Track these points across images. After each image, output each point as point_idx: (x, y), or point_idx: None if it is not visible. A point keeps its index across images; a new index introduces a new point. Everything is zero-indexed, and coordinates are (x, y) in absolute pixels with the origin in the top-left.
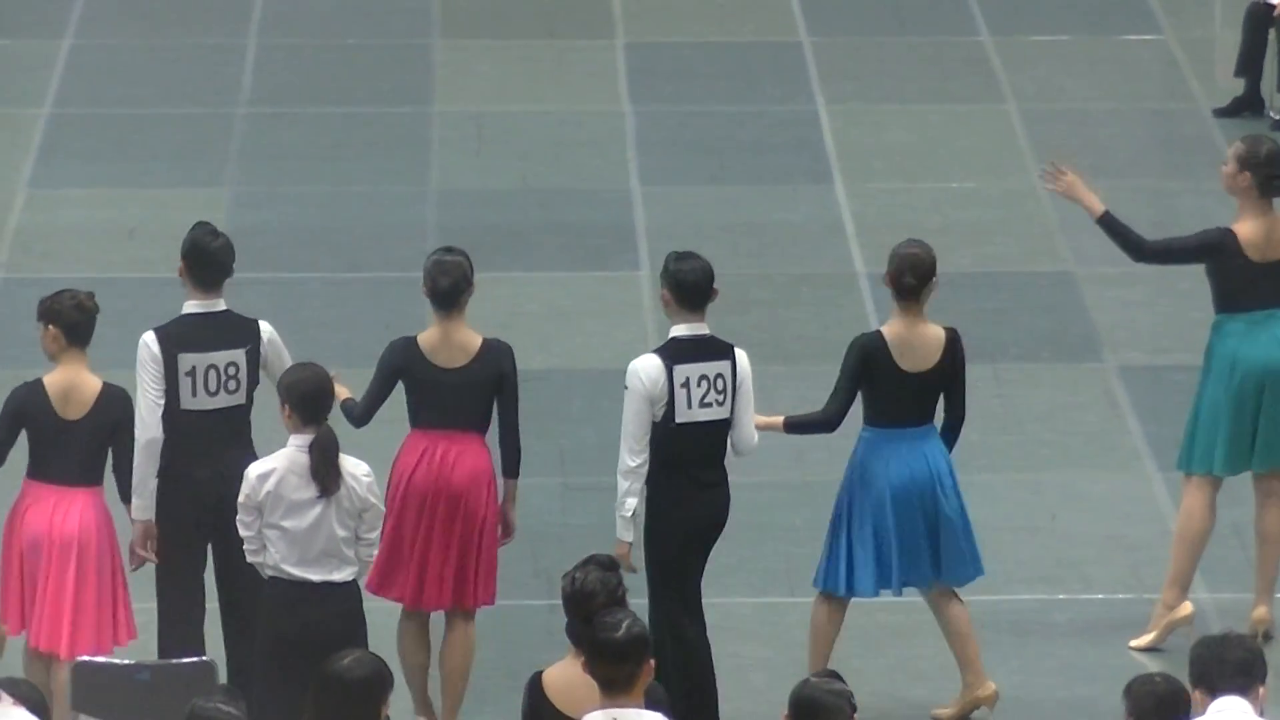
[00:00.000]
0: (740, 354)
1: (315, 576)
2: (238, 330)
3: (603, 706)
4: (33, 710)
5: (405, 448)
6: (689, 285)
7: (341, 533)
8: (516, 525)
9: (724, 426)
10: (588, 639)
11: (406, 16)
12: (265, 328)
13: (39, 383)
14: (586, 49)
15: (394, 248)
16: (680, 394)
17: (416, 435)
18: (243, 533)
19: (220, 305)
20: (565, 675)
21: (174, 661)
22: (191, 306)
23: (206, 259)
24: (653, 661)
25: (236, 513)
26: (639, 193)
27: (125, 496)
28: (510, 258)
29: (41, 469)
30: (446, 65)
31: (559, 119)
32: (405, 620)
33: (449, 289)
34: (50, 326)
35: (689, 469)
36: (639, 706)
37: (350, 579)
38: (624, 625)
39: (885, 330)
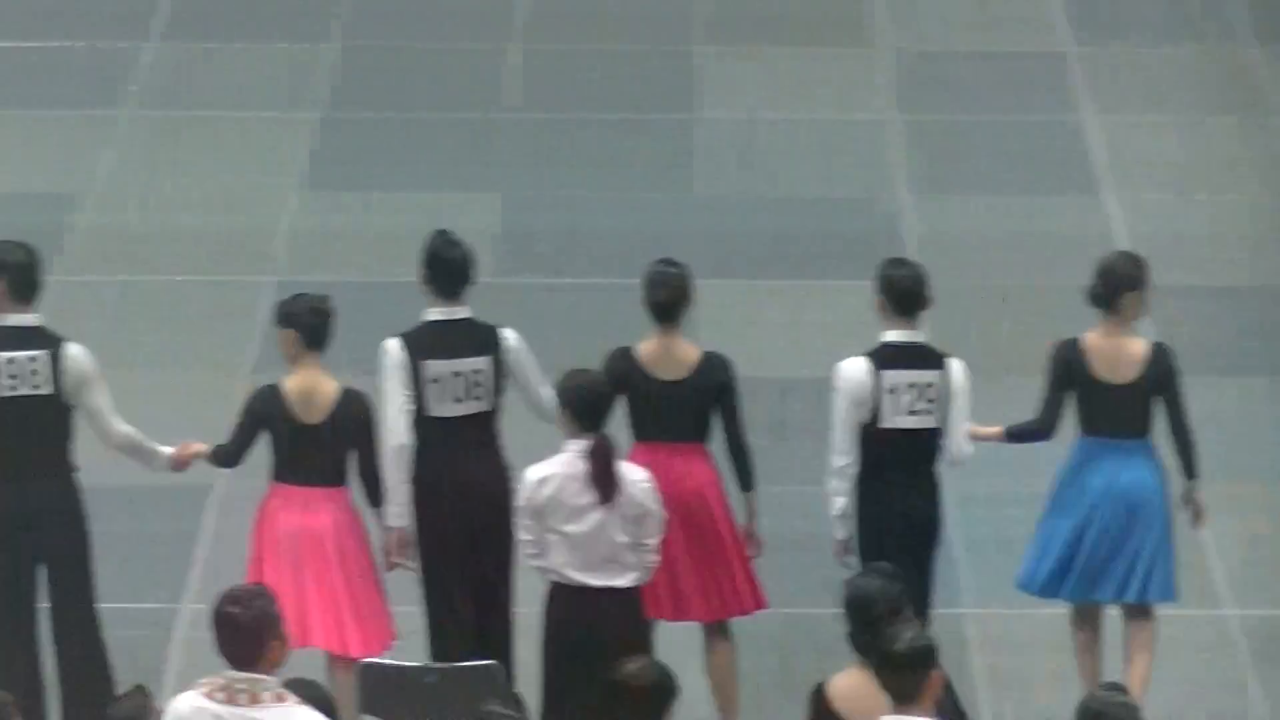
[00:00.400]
0: (955, 364)
1: (597, 582)
2: (480, 337)
3: (893, 715)
4: (321, 710)
5: (633, 461)
6: (901, 291)
7: (622, 539)
8: (760, 537)
9: (931, 435)
10: (874, 649)
11: (672, 23)
12: (509, 335)
13: (277, 386)
14: (853, 56)
15: (658, 254)
16: (887, 399)
17: (641, 448)
18: (523, 536)
19: (462, 313)
20: (850, 685)
21: (460, 665)
22: (433, 314)
23: (446, 267)
24: (939, 673)
25: (486, 520)
26: (907, 202)
27: (374, 501)
28: (777, 266)
29: (286, 472)
30: (712, 72)
31: (824, 127)
32: None
33: (668, 303)
34: (289, 331)
35: (891, 474)
36: (929, 718)
37: (632, 585)
38: (907, 636)
39: (1085, 339)
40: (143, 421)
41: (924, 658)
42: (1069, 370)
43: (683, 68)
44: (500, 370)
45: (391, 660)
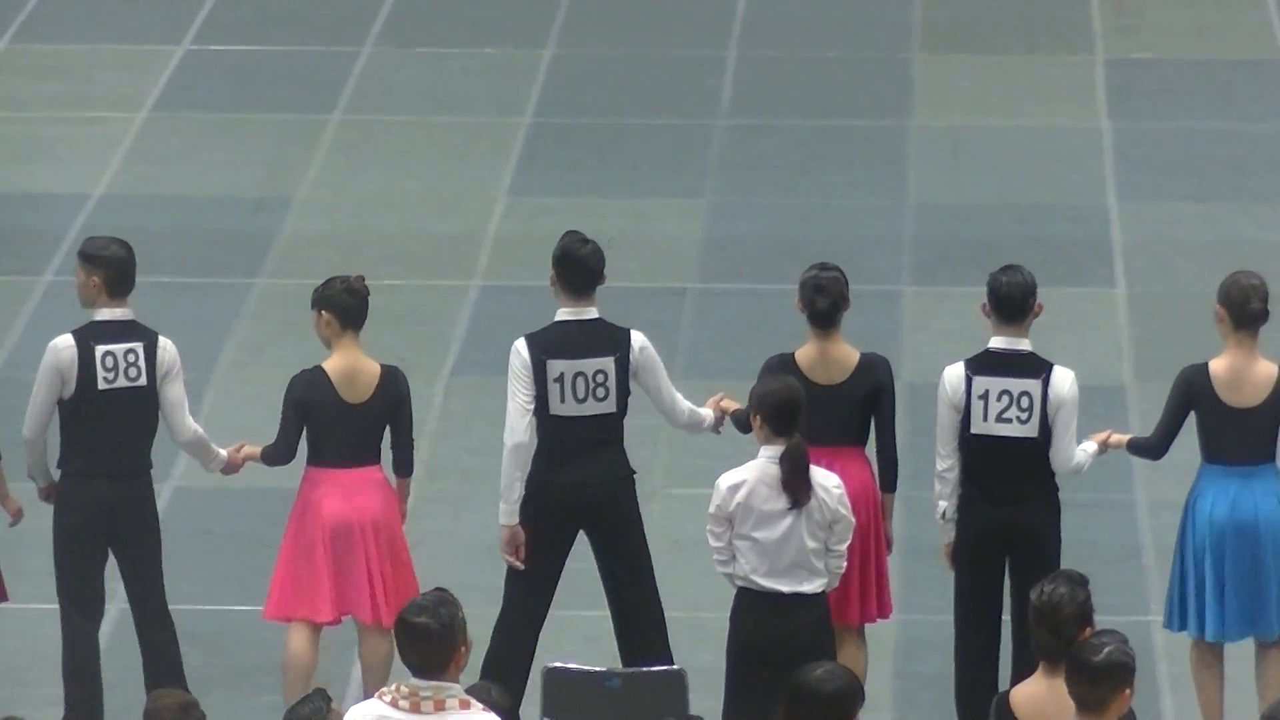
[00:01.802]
0: (1060, 374)
1: (785, 588)
2: (608, 338)
3: None
4: (502, 716)
5: None
6: (1003, 298)
7: (812, 544)
8: (894, 538)
9: (1027, 444)
10: (1069, 656)
11: (887, 30)
12: (637, 337)
13: (319, 369)
14: (1065, 64)
15: (869, 261)
16: (977, 405)
17: None
18: (712, 543)
19: (592, 313)
20: (1033, 693)
21: (644, 670)
22: (563, 314)
23: (576, 265)
24: (1129, 690)
25: (611, 520)
26: (1116, 209)
27: (401, 471)
28: (982, 272)
29: (326, 454)
30: (926, 79)
31: (1036, 134)
32: None
33: (827, 309)
34: (324, 312)
35: (982, 480)
36: None
37: (819, 590)
38: (1105, 649)
39: (1213, 363)
40: None
41: (1120, 672)
42: (1194, 396)
43: (899, 75)
44: (626, 372)
45: (576, 665)
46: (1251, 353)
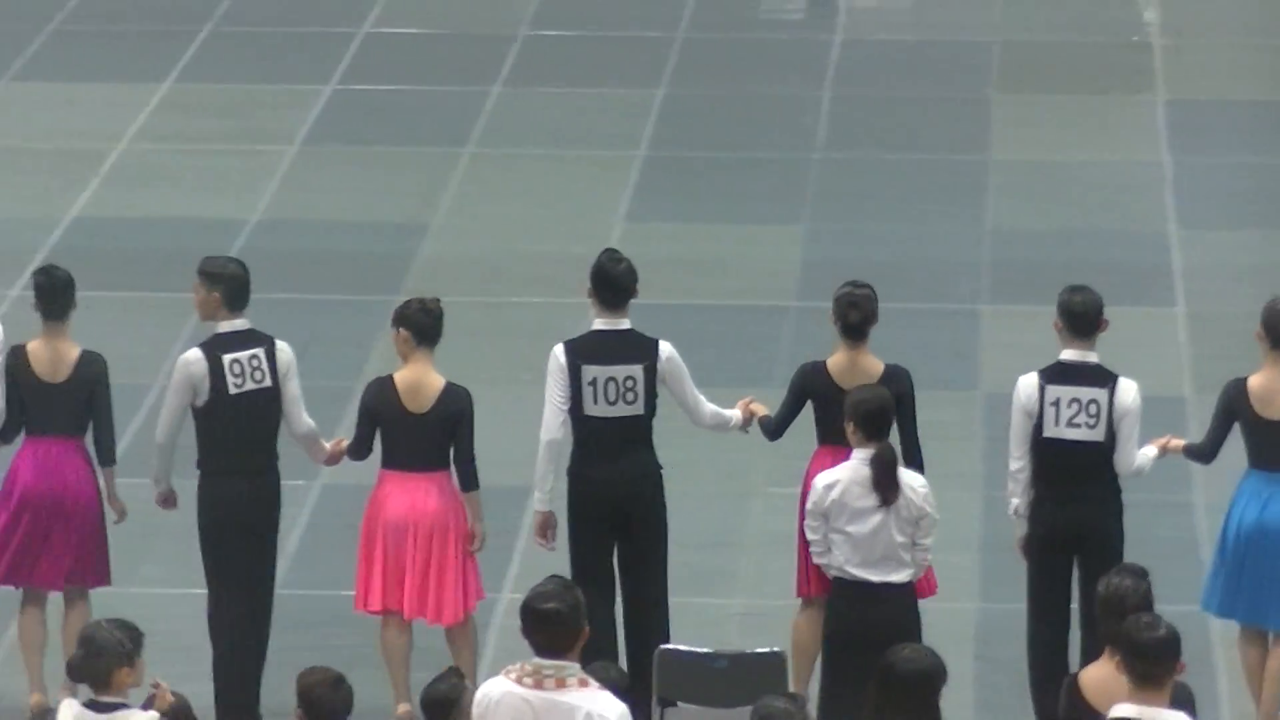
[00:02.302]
0: (1125, 385)
1: (875, 577)
2: (638, 348)
3: (1132, 701)
4: (618, 693)
5: (816, 462)
6: (1074, 315)
7: (900, 538)
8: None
9: (1094, 447)
10: (1124, 637)
11: (968, 72)
12: (665, 347)
13: (389, 379)
14: (1130, 104)
15: (951, 282)
16: (1049, 411)
17: (827, 451)
18: (810, 536)
19: (625, 324)
20: (1100, 675)
21: (746, 652)
22: (598, 324)
23: (609, 281)
24: (1182, 663)
25: (637, 512)
26: (1176, 236)
27: (466, 486)
28: (1055, 294)
29: (392, 457)
30: (1003, 117)
31: (1103, 167)
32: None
33: (859, 323)
34: (401, 330)
35: (1053, 480)
36: (1164, 706)
37: (907, 580)
38: (1160, 627)
39: (1251, 379)
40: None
41: (1170, 647)
42: (1233, 408)
43: (979, 113)
44: (654, 378)
45: (687, 647)
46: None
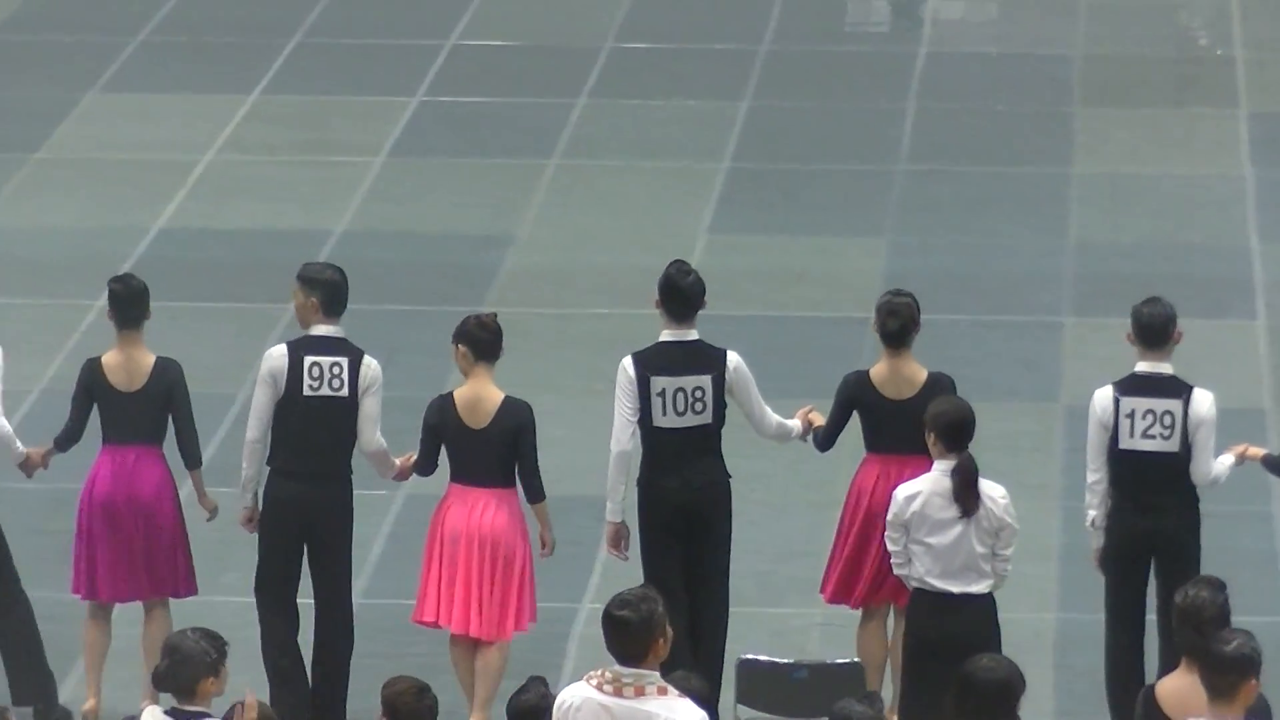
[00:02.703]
0: (1200, 395)
1: (955, 588)
2: (706, 359)
3: (1208, 714)
4: (698, 702)
5: (863, 470)
6: (1145, 326)
7: (980, 549)
8: None
9: (1169, 458)
10: (1200, 649)
11: (1051, 86)
12: (732, 358)
13: (449, 396)
14: (1212, 117)
15: (1033, 294)
16: (1124, 423)
17: (872, 459)
18: (890, 548)
19: (692, 335)
20: (1177, 686)
21: (826, 663)
22: (666, 335)
23: (677, 293)
24: (1255, 681)
25: (705, 520)
26: (1258, 249)
27: (532, 498)
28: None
29: (456, 471)
30: (1085, 130)
31: (1185, 180)
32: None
33: (898, 330)
34: (460, 346)
35: (1130, 491)
36: (1238, 717)
37: (986, 591)
38: (1235, 642)
39: None
40: (562, 441)
41: (1247, 663)
42: None
43: (1061, 126)
44: (722, 388)
45: (767, 657)
46: None
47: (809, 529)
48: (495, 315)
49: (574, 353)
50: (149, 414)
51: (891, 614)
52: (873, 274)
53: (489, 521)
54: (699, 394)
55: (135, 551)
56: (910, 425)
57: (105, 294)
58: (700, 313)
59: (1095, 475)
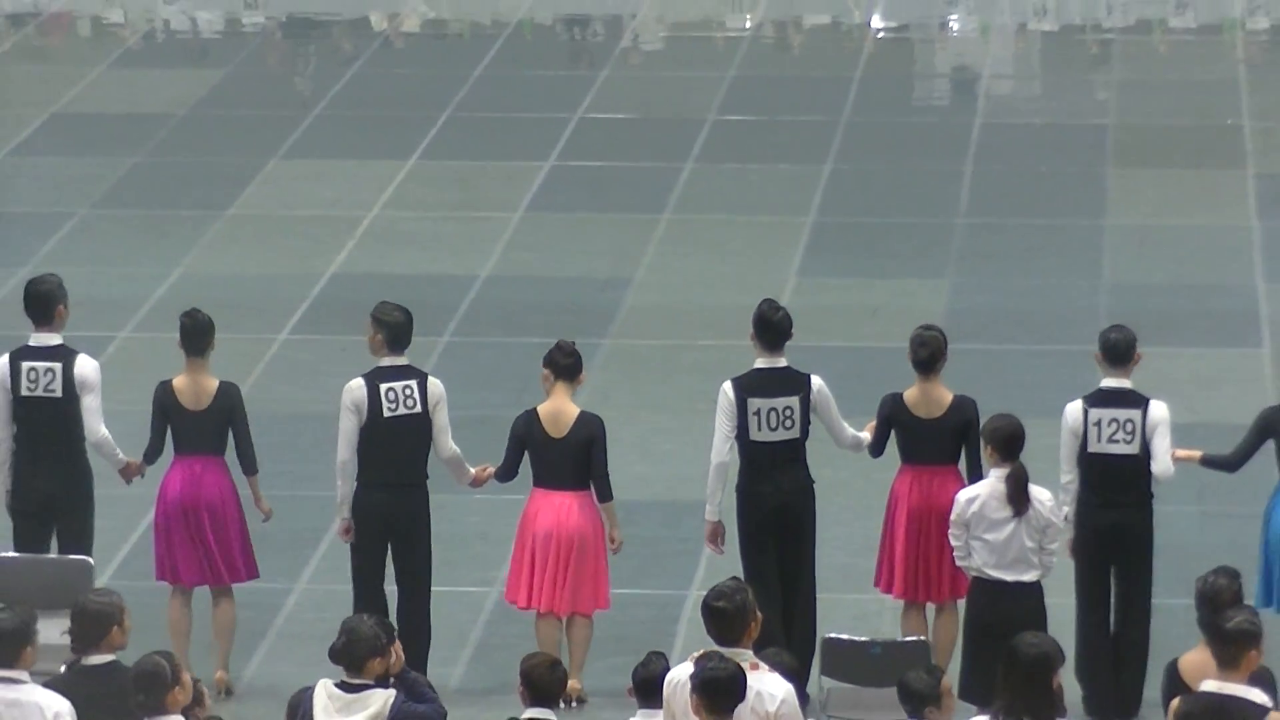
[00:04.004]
0: (1156, 405)
1: (1009, 577)
2: (793, 382)
3: (1217, 679)
4: (786, 675)
5: (899, 479)
6: (1111, 349)
7: (1030, 544)
8: None
9: (1131, 460)
10: (1212, 625)
11: (1088, 150)
12: (816, 381)
13: (534, 411)
14: (1224, 177)
15: (1072, 328)
16: (1093, 430)
17: (907, 470)
18: (953, 543)
19: (782, 362)
20: (1197, 660)
21: (899, 640)
22: (760, 363)
23: (769, 327)
24: (1256, 652)
25: (794, 520)
26: (1263, 289)
27: (602, 497)
28: (1165, 336)
29: (540, 476)
30: (1117, 189)
31: (1202, 230)
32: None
33: (927, 359)
34: (546, 369)
35: (1097, 489)
36: (1243, 683)
37: (1035, 580)
38: (1239, 618)
39: None
40: (671, 454)
41: (1249, 636)
42: (1269, 428)
43: (1097, 184)
44: (808, 408)
45: (847, 636)
46: None
47: (880, 528)
48: (573, 342)
49: (682, 378)
50: (213, 430)
51: (930, 609)
52: (937, 311)
53: (573, 519)
54: (789, 412)
55: (206, 544)
56: (938, 440)
57: (285, 328)
58: (789, 344)
59: (1068, 476)
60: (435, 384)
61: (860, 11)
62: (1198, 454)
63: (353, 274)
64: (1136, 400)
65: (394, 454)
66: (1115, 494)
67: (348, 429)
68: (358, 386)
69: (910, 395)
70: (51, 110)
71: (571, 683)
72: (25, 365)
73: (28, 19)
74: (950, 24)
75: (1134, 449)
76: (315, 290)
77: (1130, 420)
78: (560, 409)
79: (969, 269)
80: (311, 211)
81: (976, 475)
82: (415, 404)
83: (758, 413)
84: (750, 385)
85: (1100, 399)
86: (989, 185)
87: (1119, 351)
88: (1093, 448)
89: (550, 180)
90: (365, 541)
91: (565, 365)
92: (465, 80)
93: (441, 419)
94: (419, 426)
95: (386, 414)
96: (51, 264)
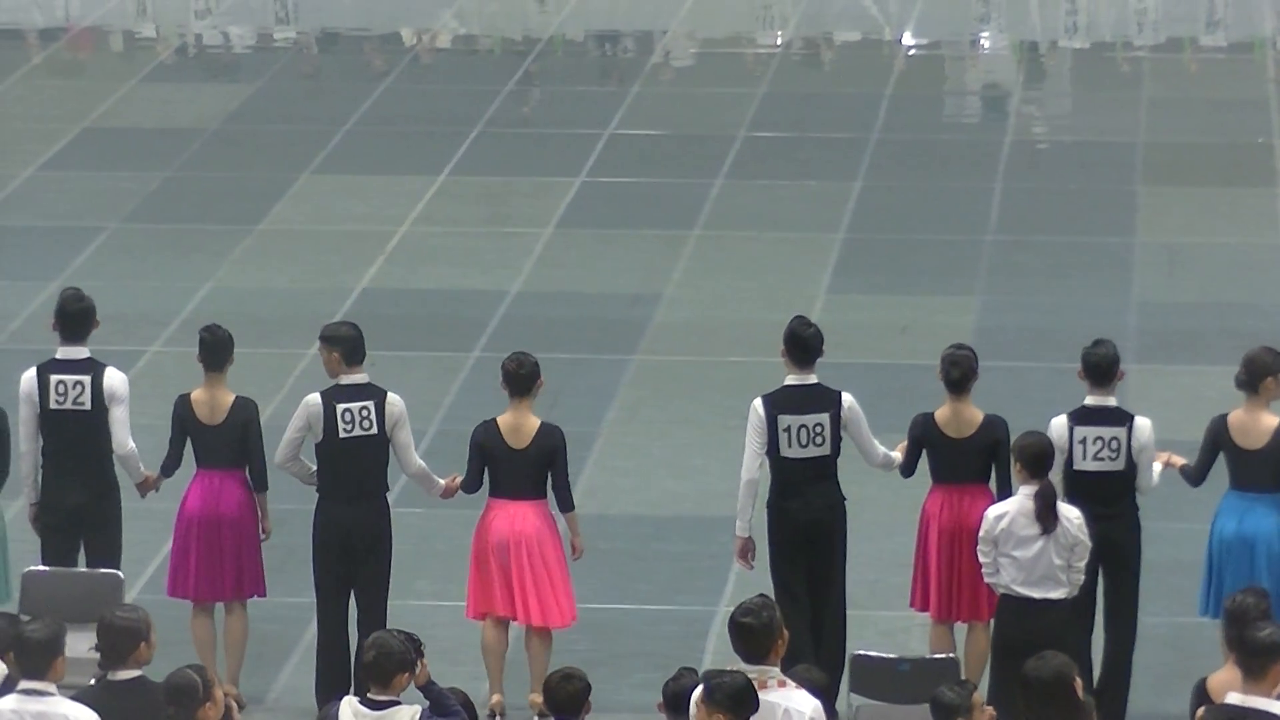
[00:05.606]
0: (1140, 422)
1: (1037, 594)
2: (824, 399)
3: (1242, 691)
4: (815, 692)
5: (930, 498)
6: (1093, 366)
7: (1058, 561)
8: None
9: (1117, 476)
10: (1238, 639)
11: (1117, 169)
12: (847, 398)
13: (493, 421)
14: (1253, 195)
15: None
16: (1078, 448)
17: (938, 489)
18: (982, 560)
19: (812, 379)
20: (1225, 679)
21: (924, 658)
22: (790, 379)
23: (800, 344)
24: None
25: (825, 536)
26: None
27: (565, 506)
28: (1193, 354)
29: (497, 487)
30: (1147, 206)
31: (1230, 248)
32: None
33: (959, 378)
34: (503, 381)
35: (1083, 505)
36: (1267, 695)
37: (1063, 597)
38: (1266, 630)
39: (1232, 417)
40: (701, 469)
41: (1276, 648)
42: (1219, 440)
43: (1126, 202)
44: (838, 425)
45: (876, 653)
46: (1259, 407)
47: (912, 544)
48: (528, 355)
49: (712, 394)
50: (230, 444)
51: (960, 626)
52: (966, 328)
53: (529, 528)
54: (819, 429)
55: (224, 559)
56: (969, 460)
57: (315, 345)
58: (819, 360)
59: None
60: (395, 402)
61: (891, 29)
62: (1180, 462)
63: (383, 289)
64: (1121, 417)
65: (351, 470)
66: (1100, 508)
67: (290, 439)
68: (314, 404)
69: (941, 415)
70: (83, 125)
71: (531, 696)
72: (54, 378)
73: (59, 33)
74: (981, 41)
75: (1119, 465)
76: (345, 305)
77: (1115, 438)
78: (520, 421)
79: (998, 286)
80: (342, 227)
81: (1006, 494)
82: (371, 425)
83: (788, 429)
84: (781, 402)
85: (1084, 416)
86: (1019, 203)
87: (1102, 369)
88: (1078, 465)
89: (581, 196)
90: (325, 554)
91: (518, 378)
92: (496, 96)
93: (403, 437)
94: (376, 447)
95: (342, 435)
96: (82, 278)
